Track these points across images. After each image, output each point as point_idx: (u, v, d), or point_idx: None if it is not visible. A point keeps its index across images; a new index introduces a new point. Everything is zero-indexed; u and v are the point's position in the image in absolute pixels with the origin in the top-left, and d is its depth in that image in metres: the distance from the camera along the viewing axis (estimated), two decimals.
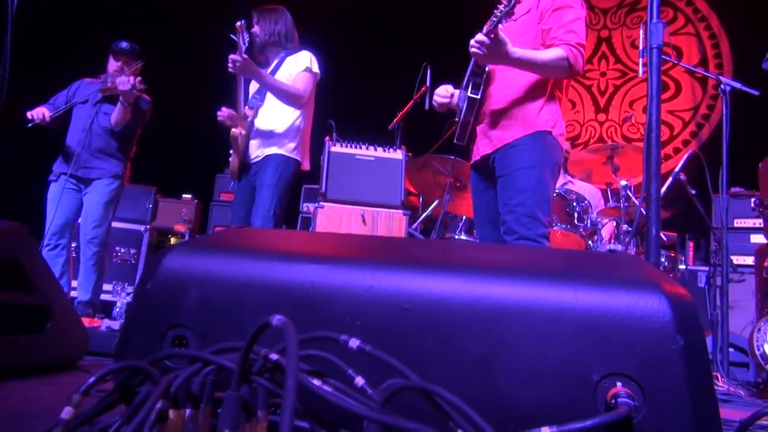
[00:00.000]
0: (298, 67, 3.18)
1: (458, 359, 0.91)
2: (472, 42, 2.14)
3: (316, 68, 3.22)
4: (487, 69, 2.32)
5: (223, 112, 3.21)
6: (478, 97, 2.32)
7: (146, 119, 3.93)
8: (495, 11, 2.07)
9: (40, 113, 3.58)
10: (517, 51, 2.17)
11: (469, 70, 2.36)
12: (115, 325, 3.05)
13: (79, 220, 3.79)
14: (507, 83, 2.37)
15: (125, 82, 3.52)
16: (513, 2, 2.04)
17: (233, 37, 2.98)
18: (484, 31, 2.10)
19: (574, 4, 2.31)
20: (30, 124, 3.58)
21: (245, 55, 2.93)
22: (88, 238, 3.66)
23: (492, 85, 2.41)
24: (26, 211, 3.48)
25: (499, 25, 2.06)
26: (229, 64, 2.95)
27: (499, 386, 0.88)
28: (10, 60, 2.24)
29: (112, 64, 3.86)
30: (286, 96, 3.11)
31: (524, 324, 0.91)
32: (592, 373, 0.86)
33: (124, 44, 3.88)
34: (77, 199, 3.72)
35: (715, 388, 2.45)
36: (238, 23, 2.96)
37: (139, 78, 3.61)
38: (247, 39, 2.99)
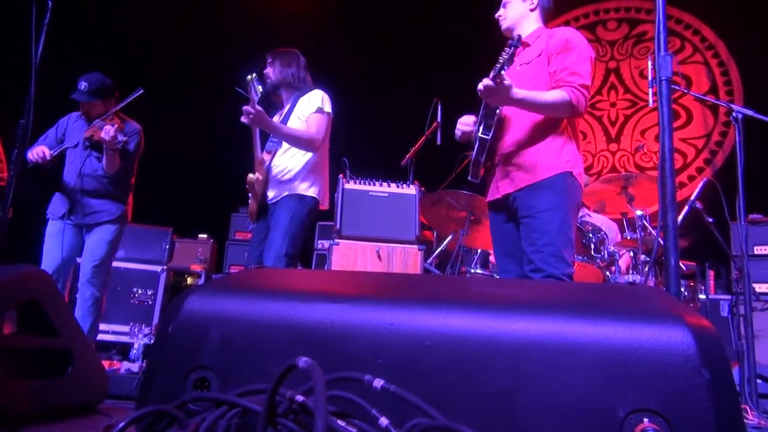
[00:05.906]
0: (310, 108, 3.18)
1: (479, 395, 0.90)
2: (479, 86, 2.21)
3: (328, 108, 3.21)
4: (498, 111, 2.38)
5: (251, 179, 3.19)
6: (489, 138, 2.38)
7: (139, 153, 3.65)
8: (499, 57, 2.18)
9: (40, 152, 3.33)
10: (519, 92, 2.26)
11: (481, 111, 2.41)
12: (134, 367, 3.05)
13: (79, 260, 3.50)
14: (523, 123, 2.43)
15: (108, 132, 3.25)
16: (512, 51, 2.16)
17: (242, 92, 2.98)
18: (491, 75, 2.17)
19: (578, 45, 2.38)
20: (30, 165, 3.30)
21: (259, 107, 2.92)
22: (87, 278, 3.38)
23: (510, 125, 2.47)
24: (20, 251, 3.36)
25: (503, 70, 2.15)
26: (243, 117, 2.92)
27: (522, 422, 0.87)
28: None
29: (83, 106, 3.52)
30: (301, 143, 3.12)
31: (545, 359, 0.90)
32: (617, 408, 0.85)
33: (82, 85, 3.43)
34: (78, 237, 3.49)
35: (745, 421, 2.39)
36: (249, 76, 2.98)
37: (119, 127, 3.32)
38: (260, 90, 3.00)
